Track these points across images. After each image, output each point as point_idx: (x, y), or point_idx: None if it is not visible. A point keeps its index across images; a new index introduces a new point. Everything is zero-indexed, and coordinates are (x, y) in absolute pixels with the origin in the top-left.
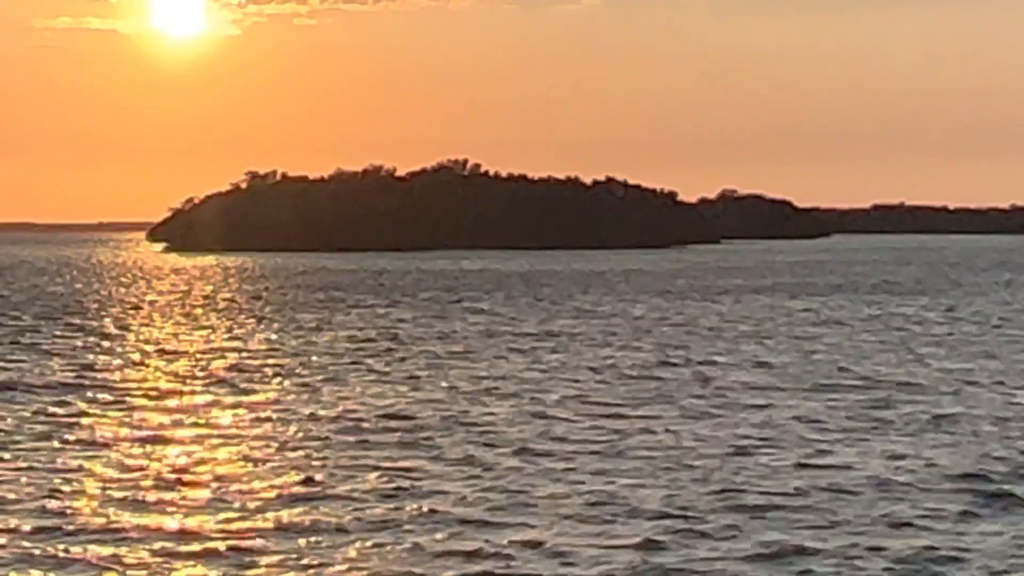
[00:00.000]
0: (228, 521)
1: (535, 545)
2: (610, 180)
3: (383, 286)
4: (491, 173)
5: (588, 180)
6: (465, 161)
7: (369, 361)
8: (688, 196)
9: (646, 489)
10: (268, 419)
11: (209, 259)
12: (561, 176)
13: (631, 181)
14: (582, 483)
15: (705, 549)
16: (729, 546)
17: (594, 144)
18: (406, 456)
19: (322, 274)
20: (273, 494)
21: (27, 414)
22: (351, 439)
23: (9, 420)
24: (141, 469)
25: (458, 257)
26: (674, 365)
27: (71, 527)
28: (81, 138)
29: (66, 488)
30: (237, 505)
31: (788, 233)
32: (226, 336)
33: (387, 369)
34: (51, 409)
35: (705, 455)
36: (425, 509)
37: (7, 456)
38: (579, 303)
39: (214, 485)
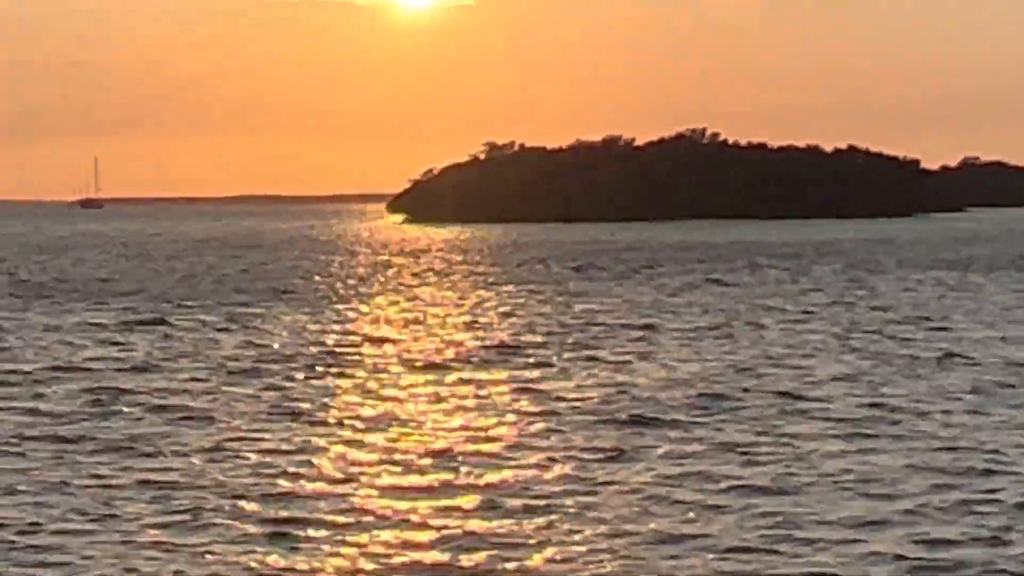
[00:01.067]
0: (490, 507)
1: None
2: (851, 148)
3: (624, 258)
4: (730, 142)
5: (829, 149)
6: (704, 130)
7: (632, 334)
8: (930, 164)
9: None
10: (535, 396)
11: (451, 230)
12: (801, 145)
13: (872, 149)
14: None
15: None
16: None
17: (835, 112)
18: (681, 438)
19: (567, 246)
20: (541, 480)
21: (277, 391)
22: (622, 419)
23: (264, 397)
24: (395, 450)
25: (698, 227)
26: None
27: (308, 509)
28: (320, 111)
29: (308, 471)
30: (499, 490)
31: None
32: (482, 308)
33: (653, 343)
34: (305, 385)
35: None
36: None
37: (257, 435)
38: (834, 275)
39: (465, 469)
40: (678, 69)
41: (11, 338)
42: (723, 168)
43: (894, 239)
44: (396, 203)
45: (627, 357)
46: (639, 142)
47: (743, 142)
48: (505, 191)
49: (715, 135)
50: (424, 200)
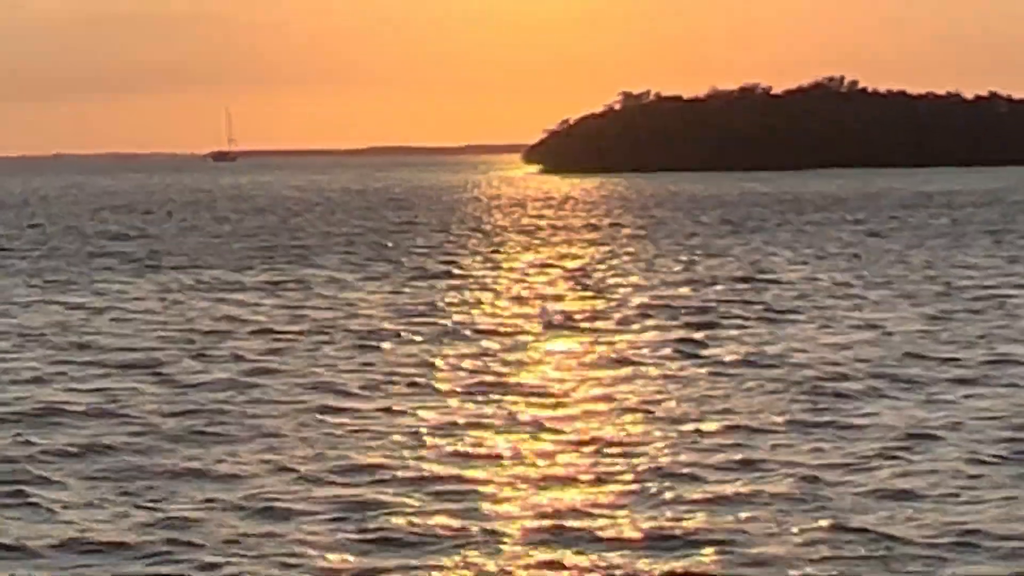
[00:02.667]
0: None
1: None
2: (993, 95)
3: (779, 209)
4: (869, 90)
5: (970, 95)
6: (842, 78)
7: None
8: None
9: None
10: (699, 362)
11: (592, 181)
12: (941, 92)
13: (1015, 96)
14: None
15: None
16: None
17: (975, 58)
18: (860, 412)
19: (710, 199)
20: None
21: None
22: (798, 392)
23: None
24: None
25: (838, 176)
26: None
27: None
28: (455, 63)
29: (411, 441)
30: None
31: None
32: (646, 263)
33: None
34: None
35: None
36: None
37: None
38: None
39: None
40: (816, 16)
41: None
42: (863, 115)
43: None
44: (532, 153)
45: (826, 318)
46: (776, 90)
47: (882, 89)
48: (641, 141)
49: (854, 82)
50: (560, 150)
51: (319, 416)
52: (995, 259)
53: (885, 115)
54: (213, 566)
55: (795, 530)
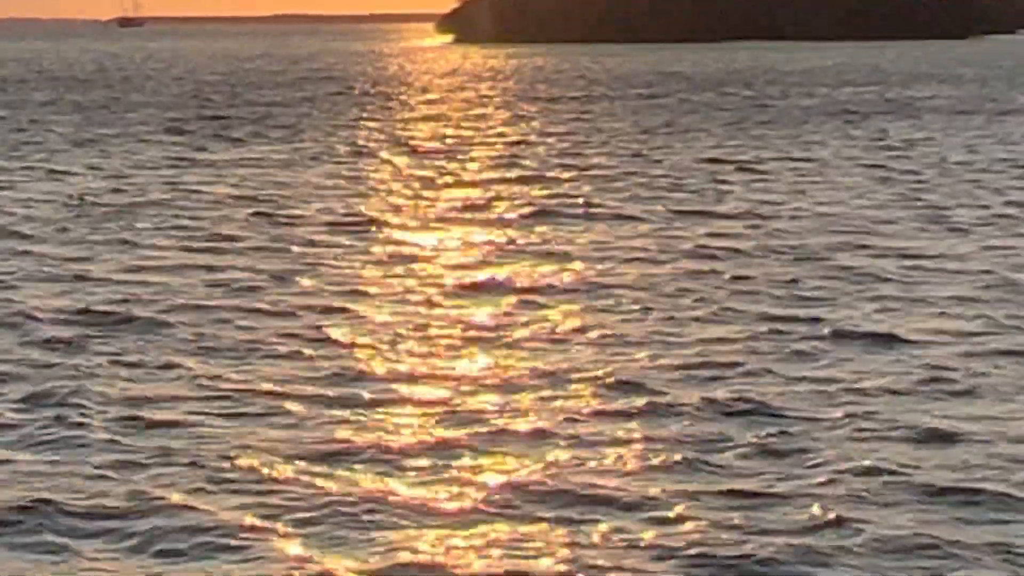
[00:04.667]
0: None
1: None
2: None
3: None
4: None
5: None
6: None
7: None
8: None
9: None
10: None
11: (497, 51)
12: None
13: None
14: None
15: None
16: None
17: None
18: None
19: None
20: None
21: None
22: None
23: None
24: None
25: (764, 49)
26: None
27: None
28: None
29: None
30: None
31: None
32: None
33: None
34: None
35: None
36: None
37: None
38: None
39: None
40: None
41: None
42: None
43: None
44: (444, 23)
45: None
46: None
47: None
48: (555, 8)
49: None
50: (473, 19)
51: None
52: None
53: None
54: None
55: None
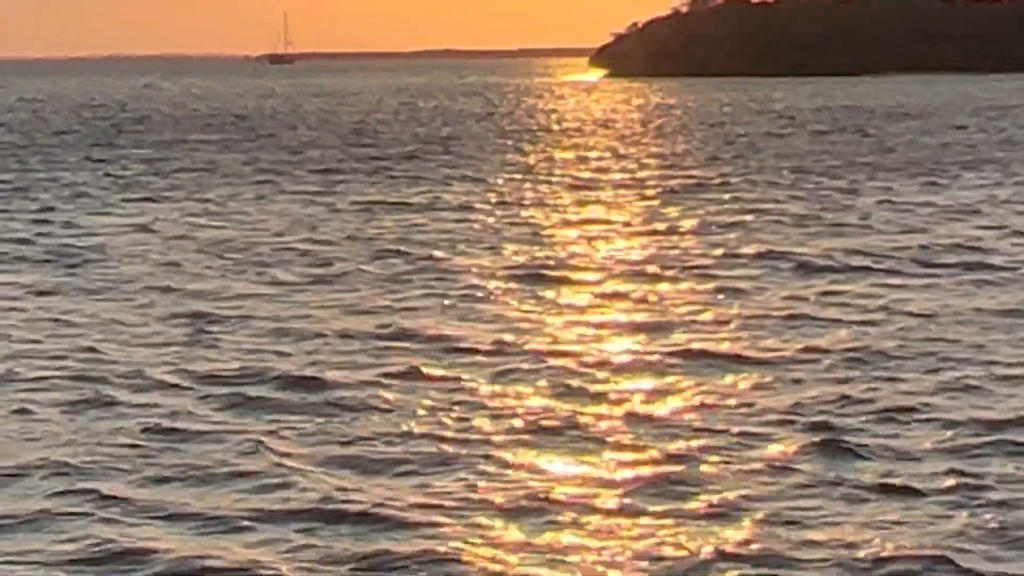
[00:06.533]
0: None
1: None
2: None
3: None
4: None
5: None
6: None
7: None
8: None
9: None
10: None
11: (665, 85)
12: None
13: None
14: None
15: None
16: None
17: None
18: None
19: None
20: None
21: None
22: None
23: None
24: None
25: (923, 82)
26: None
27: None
28: None
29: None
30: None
31: None
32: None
33: None
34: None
35: None
36: None
37: None
38: None
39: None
40: None
41: None
42: (945, 20)
43: None
44: (598, 57)
45: None
46: None
47: None
48: (708, 45)
49: None
50: (627, 53)
51: None
52: None
53: (967, 18)
54: None
55: None
